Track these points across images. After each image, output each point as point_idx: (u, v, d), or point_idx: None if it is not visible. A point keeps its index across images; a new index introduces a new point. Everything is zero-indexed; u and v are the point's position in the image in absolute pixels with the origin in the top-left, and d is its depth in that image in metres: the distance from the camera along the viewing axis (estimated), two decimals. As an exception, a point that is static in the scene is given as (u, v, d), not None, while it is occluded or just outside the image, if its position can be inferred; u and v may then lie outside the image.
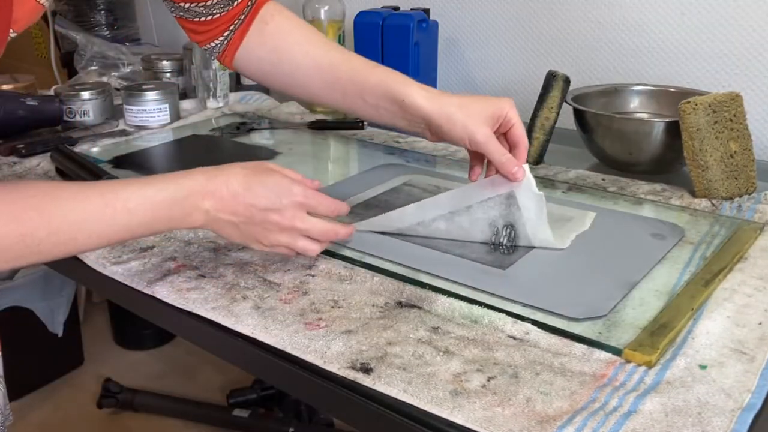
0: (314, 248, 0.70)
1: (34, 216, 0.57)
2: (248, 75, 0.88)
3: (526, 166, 0.74)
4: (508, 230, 0.76)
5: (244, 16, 0.82)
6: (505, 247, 0.76)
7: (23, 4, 0.59)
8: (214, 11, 0.81)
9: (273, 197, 0.67)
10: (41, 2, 0.62)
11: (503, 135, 0.76)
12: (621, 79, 1.23)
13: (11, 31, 0.61)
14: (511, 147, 0.76)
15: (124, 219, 0.61)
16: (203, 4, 0.80)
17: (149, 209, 0.63)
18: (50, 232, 0.58)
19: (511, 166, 0.72)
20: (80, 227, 0.60)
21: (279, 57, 0.83)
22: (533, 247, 0.76)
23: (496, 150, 0.73)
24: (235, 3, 0.81)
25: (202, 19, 0.81)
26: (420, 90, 0.76)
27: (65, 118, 1.23)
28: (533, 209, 0.75)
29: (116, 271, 0.75)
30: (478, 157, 0.79)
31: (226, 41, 0.83)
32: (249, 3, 0.82)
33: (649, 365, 0.56)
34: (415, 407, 0.53)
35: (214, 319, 0.66)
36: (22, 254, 0.57)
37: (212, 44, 0.84)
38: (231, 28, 0.82)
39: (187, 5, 0.81)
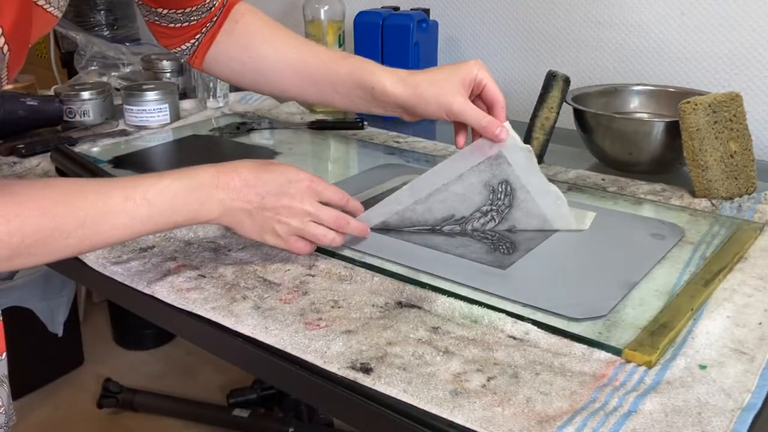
0: (327, 235, 0.71)
1: (63, 210, 0.59)
2: (219, 75, 0.89)
3: (507, 124, 0.75)
4: (504, 186, 0.77)
5: (216, 18, 0.82)
6: (504, 205, 0.77)
7: (39, 17, 0.60)
8: (192, 18, 0.81)
9: (283, 181, 0.69)
10: (55, 14, 0.62)
11: (478, 97, 0.77)
12: (621, 79, 1.23)
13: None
14: (489, 107, 0.76)
15: (144, 210, 0.63)
16: (182, 11, 0.80)
17: (167, 199, 0.64)
18: (78, 225, 0.59)
19: (494, 128, 0.73)
20: (105, 219, 0.61)
21: (249, 55, 0.83)
22: (532, 249, 0.76)
23: (474, 116, 0.74)
24: (212, 8, 0.81)
25: (177, 25, 0.81)
26: (388, 76, 0.77)
27: (65, 118, 1.23)
28: (523, 162, 0.76)
29: (116, 271, 0.75)
30: (460, 124, 0.80)
31: (197, 43, 0.83)
32: (222, 6, 0.82)
33: (649, 365, 0.56)
34: (415, 407, 0.53)
35: (214, 319, 0.66)
36: (52, 249, 0.59)
37: (182, 47, 0.84)
38: (203, 30, 0.82)
39: (165, 11, 0.80)
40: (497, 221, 0.80)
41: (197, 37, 0.82)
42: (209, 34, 0.82)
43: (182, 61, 0.88)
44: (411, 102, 0.76)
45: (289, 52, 0.83)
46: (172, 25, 0.81)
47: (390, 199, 0.80)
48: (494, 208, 0.78)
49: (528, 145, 0.76)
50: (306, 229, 0.70)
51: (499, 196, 0.78)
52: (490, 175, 0.77)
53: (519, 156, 0.76)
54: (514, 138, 0.75)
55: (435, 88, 0.74)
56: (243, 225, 0.69)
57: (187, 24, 0.81)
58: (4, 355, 0.73)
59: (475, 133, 0.77)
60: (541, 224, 0.80)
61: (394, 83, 0.76)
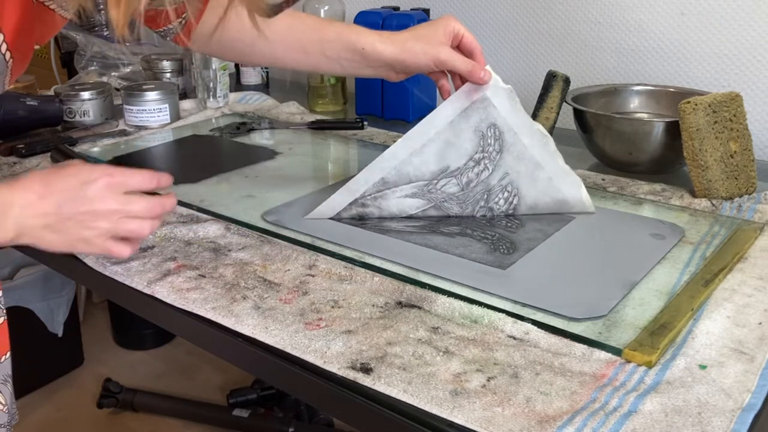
0: (145, 227, 0.65)
1: None
2: (208, 52, 0.88)
3: (488, 67, 0.80)
4: (492, 130, 0.81)
5: None
6: (495, 150, 0.80)
7: (48, 20, 0.59)
8: None
9: (76, 185, 0.63)
10: (65, 16, 0.62)
11: (457, 48, 0.82)
12: (621, 79, 1.23)
13: (35, 44, 0.60)
14: (469, 56, 0.81)
15: None
16: None
17: None
18: None
19: (478, 71, 0.78)
20: None
21: (237, 27, 0.83)
22: (532, 249, 0.76)
23: (461, 62, 0.79)
24: None
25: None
26: (376, 36, 0.81)
27: (65, 118, 1.23)
28: (507, 104, 0.81)
29: (116, 271, 0.75)
30: (440, 77, 0.84)
31: (184, 21, 0.82)
32: None
33: (649, 365, 0.56)
34: (415, 407, 0.53)
35: (214, 319, 0.66)
36: None
37: (169, 27, 0.83)
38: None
39: None
40: (491, 170, 0.82)
41: (183, 15, 0.82)
42: (197, 12, 0.81)
43: (168, 39, 0.87)
44: (401, 58, 0.80)
45: (275, 21, 0.83)
46: (161, 8, 0.81)
47: (386, 155, 0.82)
48: (486, 154, 0.81)
49: (509, 86, 0.81)
50: (119, 228, 0.64)
51: (489, 141, 0.81)
52: (478, 119, 0.81)
53: (503, 97, 0.81)
54: (496, 80, 0.80)
55: (422, 43, 0.79)
56: (46, 240, 0.63)
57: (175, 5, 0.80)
58: (8, 354, 0.73)
59: (456, 80, 0.82)
60: (532, 169, 0.83)
61: (383, 42, 0.80)
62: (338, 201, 0.83)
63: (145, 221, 0.66)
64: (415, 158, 0.81)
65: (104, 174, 0.64)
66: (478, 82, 0.79)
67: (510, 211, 0.84)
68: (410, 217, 0.85)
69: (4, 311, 0.72)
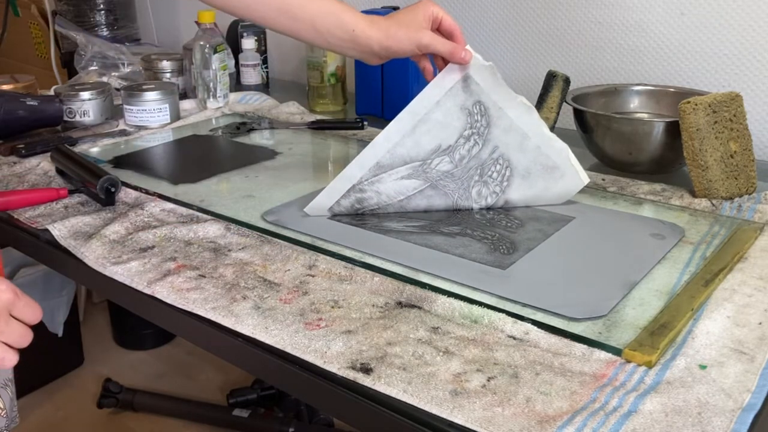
0: (11, 357, 0.60)
1: None
2: None
3: (469, 47, 0.82)
4: (479, 106, 0.84)
5: None
6: (483, 125, 0.83)
7: None
8: None
9: None
10: None
11: (437, 30, 0.84)
12: (621, 79, 1.23)
13: None
14: (449, 37, 0.83)
15: None
16: None
17: None
18: None
19: (459, 52, 0.81)
20: None
21: None
22: (532, 249, 0.76)
23: (442, 44, 0.81)
24: None
25: None
26: (364, 19, 0.83)
27: (65, 118, 1.23)
28: (490, 80, 0.83)
29: (116, 271, 0.75)
30: (421, 59, 0.87)
31: None
32: None
33: (649, 365, 0.56)
34: (415, 407, 0.53)
35: (214, 319, 0.66)
36: None
37: None
38: None
39: None
40: (481, 145, 0.84)
41: None
42: None
43: None
44: (386, 44, 0.82)
45: None
46: None
47: (378, 139, 0.83)
48: (475, 130, 0.83)
49: (491, 63, 0.83)
50: None
51: (476, 117, 0.83)
52: (463, 97, 0.83)
53: (485, 75, 0.83)
54: (477, 58, 0.82)
55: (404, 29, 0.82)
56: None
57: None
58: None
59: (437, 62, 0.85)
60: (520, 140, 0.84)
61: (370, 27, 0.83)
62: (336, 189, 0.84)
63: (12, 351, 0.60)
64: (408, 139, 0.83)
65: (7, 290, 0.59)
66: (459, 62, 0.81)
67: (504, 183, 0.86)
68: (410, 217, 0.85)
69: None
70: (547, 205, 0.88)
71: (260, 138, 1.22)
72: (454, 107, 0.83)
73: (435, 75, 0.85)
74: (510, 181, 0.86)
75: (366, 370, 0.56)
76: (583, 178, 0.88)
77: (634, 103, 1.12)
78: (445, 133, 0.84)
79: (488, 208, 0.87)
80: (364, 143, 1.17)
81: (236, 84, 1.59)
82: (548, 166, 0.86)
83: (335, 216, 0.86)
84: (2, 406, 0.71)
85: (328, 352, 0.59)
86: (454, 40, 0.83)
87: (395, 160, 0.84)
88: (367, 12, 1.28)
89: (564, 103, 1.02)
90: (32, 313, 0.62)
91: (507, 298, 0.66)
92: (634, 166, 1.00)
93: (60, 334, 1.83)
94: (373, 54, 0.84)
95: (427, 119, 0.83)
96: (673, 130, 0.93)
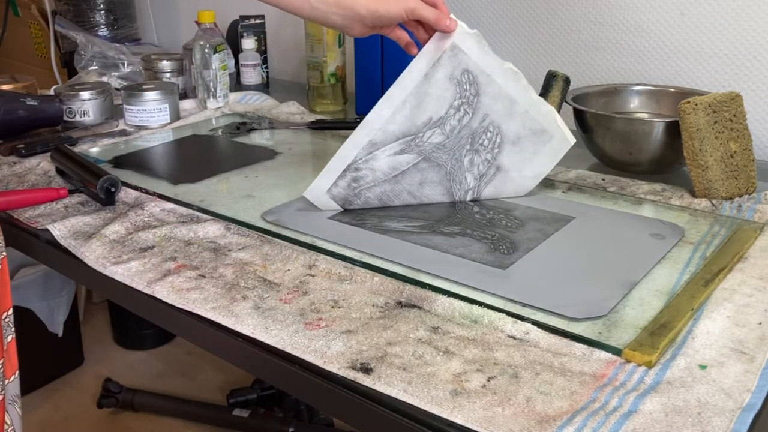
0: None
1: None
2: None
3: (453, 16, 0.82)
4: (467, 75, 0.84)
5: None
6: (471, 94, 0.83)
7: None
8: None
9: None
10: None
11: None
12: (621, 79, 1.23)
13: None
14: (433, 6, 0.82)
15: None
16: None
17: None
18: None
19: (444, 19, 0.81)
20: None
21: None
22: (532, 249, 0.76)
23: (428, 10, 0.81)
24: None
25: None
26: None
27: (65, 118, 1.23)
28: (476, 48, 0.83)
29: (116, 271, 0.75)
30: (395, 30, 0.87)
31: None
32: None
33: (649, 365, 0.56)
34: (415, 407, 0.53)
35: (214, 319, 0.66)
36: None
37: None
38: None
39: None
40: (471, 114, 0.85)
41: None
42: None
43: None
44: (373, 7, 0.81)
45: None
46: None
47: (369, 117, 0.83)
48: (464, 100, 0.84)
49: (476, 30, 0.83)
50: None
51: (465, 86, 0.83)
52: (451, 67, 0.83)
53: (471, 43, 0.83)
54: (462, 26, 0.82)
55: None
56: None
57: None
58: (17, 374, 0.72)
59: (416, 30, 0.85)
60: (509, 106, 0.85)
61: None
62: (332, 170, 0.85)
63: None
64: (398, 115, 0.84)
65: None
66: (444, 30, 0.81)
67: (495, 150, 0.87)
68: (410, 217, 0.85)
69: (13, 329, 0.71)
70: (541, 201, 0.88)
71: (260, 138, 1.22)
72: (443, 78, 0.83)
73: (416, 46, 0.86)
74: (501, 147, 0.87)
75: (366, 370, 0.56)
76: (570, 138, 0.89)
77: (634, 103, 1.12)
78: (436, 105, 0.84)
79: (488, 209, 0.87)
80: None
81: (236, 84, 1.59)
82: (536, 130, 0.88)
83: (334, 216, 0.86)
84: (9, 423, 0.71)
85: (328, 352, 0.59)
86: (437, 8, 0.82)
87: (387, 136, 0.84)
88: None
89: (564, 103, 1.02)
90: None
91: (507, 298, 0.66)
92: (634, 166, 1.00)
93: (60, 334, 1.83)
94: (359, 19, 0.82)
95: (416, 93, 0.83)
96: (673, 130, 0.93)
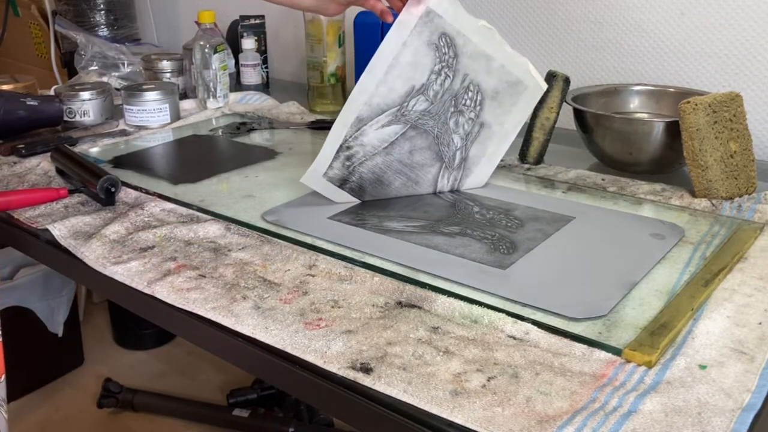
0: None
1: None
2: None
3: None
4: (444, 39, 0.85)
5: None
6: (450, 57, 0.85)
7: None
8: None
9: None
10: None
11: None
12: (621, 79, 1.23)
13: None
14: None
15: None
16: None
17: None
18: None
19: None
20: None
21: None
22: (532, 249, 0.77)
23: None
24: None
25: None
26: None
27: (65, 118, 1.23)
28: (450, 10, 0.84)
29: (116, 271, 0.75)
30: (374, 5, 0.89)
31: None
32: None
33: (649, 365, 0.56)
34: (415, 407, 0.53)
35: (214, 319, 0.66)
36: None
37: None
38: None
39: None
40: (452, 76, 0.86)
41: None
42: None
43: None
44: None
45: None
46: None
47: (353, 94, 0.84)
48: (444, 63, 0.85)
49: None
50: None
51: (443, 50, 0.85)
52: (428, 33, 0.84)
53: (445, 5, 0.84)
54: None
55: None
56: None
57: None
58: (3, 378, 0.72)
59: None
60: (486, 63, 0.87)
61: None
62: (326, 154, 0.86)
63: None
64: (382, 87, 0.84)
65: None
66: None
67: (478, 107, 0.89)
68: (410, 217, 0.85)
69: (0, 332, 0.71)
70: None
71: (260, 138, 1.22)
72: (421, 45, 0.84)
73: (391, 14, 0.87)
74: (482, 104, 0.89)
75: (366, 370, 0.56)
76: (542, 85, 0.92)
77: (634, 103, 1.12)
78: (417, 72, 0.85)
79: (488, 209, 0.87)
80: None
81: (236, 84, 1.59)
82: (512, 82, 0.89)
83: (335, 216, 0.86)
84: None
85: (328, 352, 0.59)
86: None
87: (374, 110, 0.85)
88: (366, 12, 1.29)
89: (564, 103, 1.02)
90: None
91: (507, 298, 0.66)
92: (634, 166, 1.00)
93: (60, 334, 1.83)
94: (331, 1, 0.83)
95: (396, 63, 0.84)
96: (673, 130, 0.93)
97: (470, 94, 0.88)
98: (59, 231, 0.83)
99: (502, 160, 1.06)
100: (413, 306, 0.66)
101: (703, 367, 0.56)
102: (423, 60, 0.85)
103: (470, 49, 0.86)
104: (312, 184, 0.88)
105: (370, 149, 0.87)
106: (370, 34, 1.28)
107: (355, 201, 0.90)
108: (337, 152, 0.86)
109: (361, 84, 0.84)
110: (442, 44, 0.85)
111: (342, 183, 0.88)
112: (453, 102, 0.87)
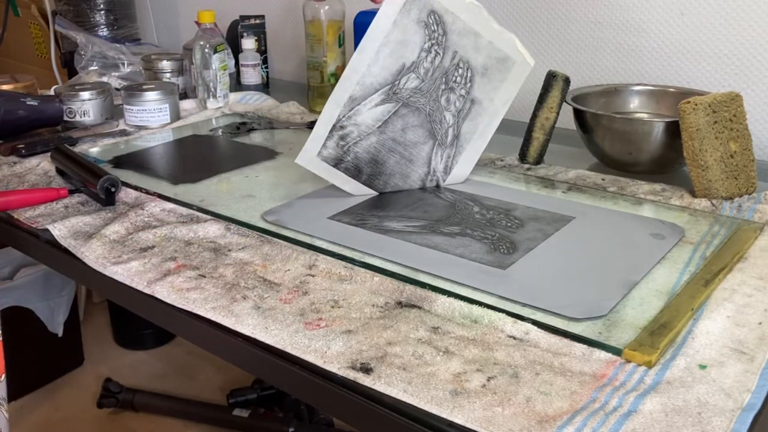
0: None
1: None
2: None
3: None
4: (433, 17, 0.86)
5: None
6: (440, 34, 0.86)
7: None
8: None
9: None
10: None
11: None
12: (621, 79, 1.23)
13: None
14: None
15: None
16: None
17: None
18: None
19: None
20: None
21: None
22: (532, 249, 0.77)
23: None
24: None
25: None
26: None
27: (65, 118, 1.23)
28: None
29: (116, 271, 0.75)
30: None
31: None
32: None
33: (649, 365, 0.56)
34: (415, 407, 0.53)
35: (214, 319, 0.66)
36: None
37: None
38: None
39: None
40: (442, 54, 0.87)
41: None
42: None
43: None
44: None
45: None
46: None
47: (346, 74, 0.85)
48: (434, 41, 0.86)
49: None
50: None
51: (432, 28, 0.86)
52: (417, 11, 0.85)
53: None
54: None
55: None
56: None
57: None
58: (3, 377, 0.72)
59: None
60: (474, 40, 0.88)
61: None
62: (319, 134, 0.87)
63: None
64: (374, 67, 0.85)
65: None
66: None
67: (468, 84, 0.90)
68: (410, 217, 0.85)
69: (0, 331, 0.71)
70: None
71: (260, 138, 1.22)
72: (411, 23, 0.85)
73: None
74: (472, 81, 0.90)
75: (366, 370, 0.56)
76: (529, 60, 0.93)
77: (634, 103, 1.12)
78: (407, 50, 0.86)
79: (488, 209, 0.87)
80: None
81: (236, 84, 1.59)
82: (501, 59, 0.91)
83: (334, 216, 0.86)
84: None
85: (328, 352, 0.59)
86: None
87: (366, 90, 0.86)
88: (366, 12, 1.29)
89: (564, 103, 1.02)
90: None
91: (507, 298, 0.66)
92: (634, 166, 1.00)
93: (60, 334, 1.83)
94: None
95: (387, 42, 0.85)
96: (673, 130, 0.93)
97: (460, 71, 0.89)
98: (59, 231, 0.83)
99: (501, 160, 1.06)
100: (413, 306, 0.66)
101: (703, 367, 0.56)
102: (413, 38, 0.86)
103: (459, 27, 0.87)
104: (306, 164, 0.88)
105: (364, 129, 0.88)
106: (370, 34, 1.28)
107: (350, 181, 0.90)
108: (331, 132, 0.87)
109: (352, 64, 0.85)
110: (431, 21, 0.86)
111: (337, 163, 0.89)
112: (444, 79, 0.88)
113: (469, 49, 0.89)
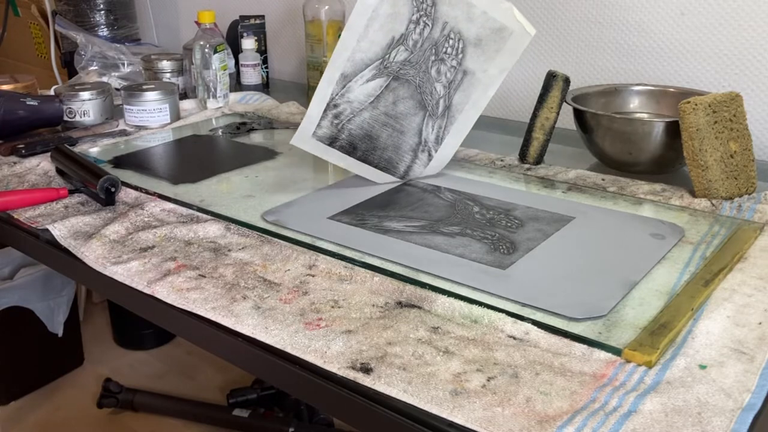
0: None
1: None
2: None
3: None
4: None
5: None
6: (428, 5, 0.85)
7: None
8: None
9: None
10: None
11: None
12: (621, 79, 1.23)
13: None
14: None
15: None
16: None
17: None
18: None
19: None
20: None
21: None
22: (532, 249, 0.76)
23: None
24: None
25: None
26: None
27: (65, 118, 1.23)
28: None
29: (116, 271, 0.75)
30: None
31: None
32: None
33: (649, 365, 0.56)
34: (415, 407, 0.53)
35: (214, 319, 0.66)
36: None
37: None
38: None
39: None
40: (431, 25, 0.87)
41: None
42: None
43: None
44: None
45: None
46: None
47: (336, 50, 0.85)
48: (422, 12, 0.86)
49: None
50: None
51: (423, 5, 0.85)
52: None
53: None
54: None
55: None
56: None
57: None
58: None
59: None
60: (466, 10, 0.87)
61: None
62: (314, 113, 0.87)
63: None
64: (363, 42, 0.85)
65: None
66: None
67: (460, 55, 0.89)
68: (410, 217, 0.85)
69: None
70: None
71: (260, 138, 1.22)
72: None
73: None
74: (464, 52, 0.89)
75: (366, 370, 0.56)
76: (529, 30, 0.91)
77: (634, 103, 1.12)
78: (395, 23, 0.86)
79: (488, 209, 0.87)
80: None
81: (236, 84, 1.59)
82: (496, 29, 0.89)
83: (335, 216, 0.86)
84: None
85: (328, 352, 0.59)
86: None
87: (357, 65, 0.86)
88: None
89: (564, 103, 1.02)
90: None
91: (507, 298, 0.66)
92: (634, 166, 1.00)
93: (60, 334, 1.83)
94: None
95: (376, 16, 0.85)
96: (673, 130, 0.93)
97: (451, 42, 0.89)
98: (59, 231, 0.83)
99: (501, 160, 1.06)
100: (413, 306, 0.66)
101: (703, 367, 0.56)
102: (401, 10, 0.86)
103: None
104: (301, 145, 0.89)
105: (357, 105, 0.88)
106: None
107: (346, 158, 0.91)
108: (325, 111, 0.87)
109: (342, 41, 0.85)
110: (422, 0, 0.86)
111: (332, 141, 0.89)
112: (433, 50, 0.88)
113: (461, 19, 0.88)
